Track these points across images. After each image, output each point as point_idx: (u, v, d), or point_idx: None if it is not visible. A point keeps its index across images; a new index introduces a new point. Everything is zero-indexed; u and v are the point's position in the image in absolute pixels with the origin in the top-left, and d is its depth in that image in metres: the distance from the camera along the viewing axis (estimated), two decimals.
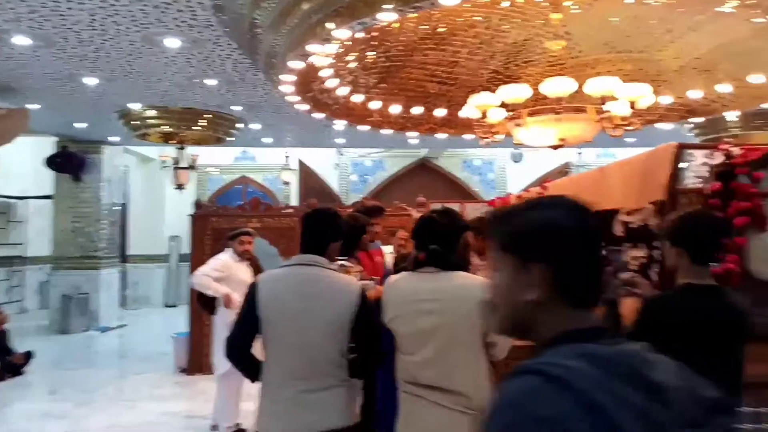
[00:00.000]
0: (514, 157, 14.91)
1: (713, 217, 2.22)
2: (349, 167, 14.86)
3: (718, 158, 2.78)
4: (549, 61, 5.46)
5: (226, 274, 4.63)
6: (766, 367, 2.67)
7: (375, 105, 6.43)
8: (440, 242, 2.16)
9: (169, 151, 10.02)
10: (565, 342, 0.88)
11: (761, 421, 2.72)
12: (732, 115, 7.65)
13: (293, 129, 10.24)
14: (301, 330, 2.20)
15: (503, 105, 4.75)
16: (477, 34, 5.79)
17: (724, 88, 6.01)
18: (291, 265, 2.41)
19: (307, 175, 14.49)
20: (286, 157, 13.72)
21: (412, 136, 8.30)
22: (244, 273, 4.64)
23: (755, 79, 5.60)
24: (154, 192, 13.61)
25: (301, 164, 14.30)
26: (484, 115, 4.78)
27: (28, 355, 7.46)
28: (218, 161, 13.93)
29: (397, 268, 2.57)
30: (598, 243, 0.97)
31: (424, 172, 14.92)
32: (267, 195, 13.88)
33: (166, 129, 8.40)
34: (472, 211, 6.60)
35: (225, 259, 4.76)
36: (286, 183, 14.08)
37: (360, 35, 4.72)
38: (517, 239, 0.93)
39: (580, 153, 14.11)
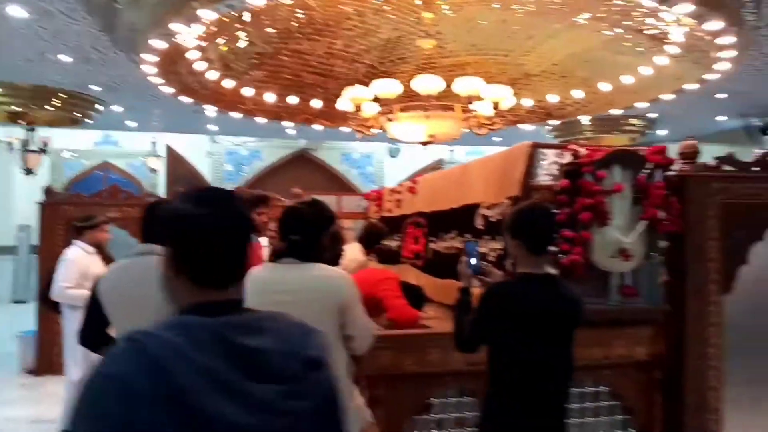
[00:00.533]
0: (391, 151, 15.21)
1: (546, 210, 2.32)
2: (223, 156, 14.32)
3: (567, 158, 3.00)
4: (421, 58, 5.60)
5: (82, 273, 4.19)
6: (603, 351, 2.94)
7: (248, 92, 6.23)
8: (304, 233, 2.12)
9: (17, 133, 9.04)
10: (188, 314, 1.04)
11: (599, 399, 2.98)
12: (585, 119, 8.33)
13: (160, 113, 9.68)
14: (144, 321, 2.07)
15: (377, 99, 4.80)
16: (352, 27, 5.81)
17: (578, 93, 6.52)
18: (132, 255, 2.42)
19: (176, 162, 13.75)
20: (153, 142, 12.92)
21: (289, 126, 8.16)
22: (97, 267, 4.27)
23: (604, 86, 6.12)
24: (3, 177, 12.21)
25: (170, 150, 13.54)
26: (358, 109, 4.79)
27: None
28: (76, 145, 12.82)
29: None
30: (225, 231, 1.09)
31: (302, 163, 14.76)
32: (131, 182, 12.97)
33: (14, 108, 7.57)
34: (348, 204, 6.63)
35: (75, 257, 4.29)
36: (154, 170, 13.27)
37: (228, 17, 4.54)
38: (161, 226, 1.12)
39: (452, 150, 14.70)
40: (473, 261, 2.43)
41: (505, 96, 4.69)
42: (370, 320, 2.23)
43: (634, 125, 10.79)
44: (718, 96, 8.62)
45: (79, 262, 4.26)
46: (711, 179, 3.02)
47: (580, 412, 2.94)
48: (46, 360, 6.25)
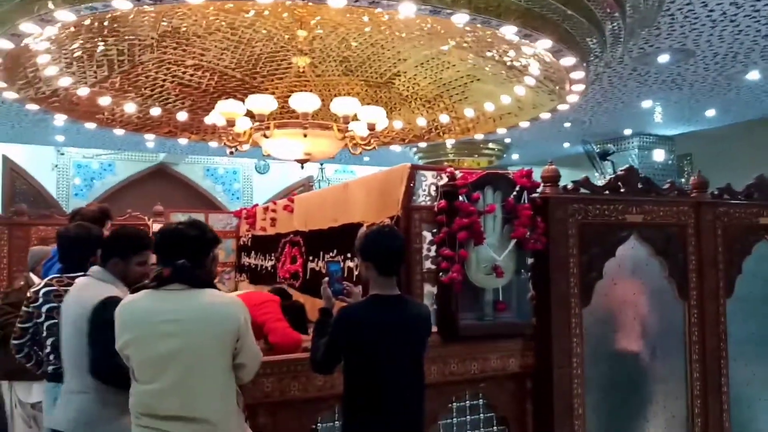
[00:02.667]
0: (258, 167, 14.89)
1: (395, 233, 2.40)
2: (71, 169, 13.12)
3: (444, 179, 3.11)
4: (294, 76, 5.56)
5: None
6: (479, 364, 3.06)
7: (105, 101, 5.77)
8: (187, 256, 1.96)
9: None
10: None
11: (478, 412, 3.09)
12: (449, 142, 8.76)
13: None
14: None
15: (250, 114, 4.66)
16: (223, 39, 5.63)
17: (443, 118, 6.84)
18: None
19: (14, 175, 12.34)
20: None
21: (150, 139, 7.67)
22: None
23: (468, 112, 6.48)
24: None
25: (7, 162, 12.13)
26: (230, 123, 4.62)
27: None
28: None
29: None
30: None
31: (161, 178, 13.94)
32: None
33: None
34: (215, 222, 6.34)
35: None
36: None
37: (86, 21, 4.19)
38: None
39: (322, 168, 14.72)
40: (336, 281, 2.44)
41: (380, 117, 4.78)
42: (257, 347, 2.12)
43: (491, 149, 11.57)
44: (564, 124, 9.53)
45: None
46: (570, 201, 3.29)
47: (459, 426, 3.03)
48: None
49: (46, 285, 2.92)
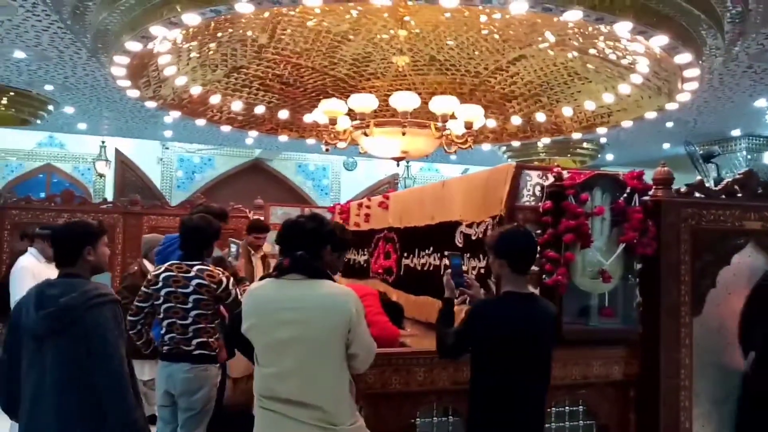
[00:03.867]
0: (347, 164, 15.19)
1: (529, 233, 2.53)
2: (175, 163, 13.95)
3: (550, 180, 3.06)
4: (395, 74, 5.64)
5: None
6: (581, 370, 3.00)
7: (214, 99, 6.11)
8: (306, 248, 2.07)
9: None
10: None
11: (577, 419, 3.04)
12: (541, 142, 8.57)
13: (114, 116, 9.36)
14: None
15: (350, 113, 4.79)
16: (324, 39, 5.80)
17: (540, 116, 6.71)
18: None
19: (124, 167, 13.29)
20: (102, 146, 12.43)
21: (247, 135, 8.02)
22: (53, 274, 4.04)
23: (566, 111, 6.32)
24: None
25: (119, 155, 13.08)
26: (331, 121, 4.77)
27: None
28: (17, 146, 12.20)
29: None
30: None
31: (256, 173, 14.53)
32: (77, 187, 12.43)
33: None
34: None
35: (31, 265, 4.01)
36: (101, 175, 12.76)
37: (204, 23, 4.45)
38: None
39: (407, 165, 14.82)
40: (457, 274, 2.57)
41: (478, 116, 4.76)
42: (372, 338, 2.20)
43: (585, 149, 11.19)
44: (666, 124, 9.07)
45: (32, 271, 4.01)
46: (683, 205, 3.14)
47: (558, 431, 2.98)
48: None
49: (166, 270, 3.17)
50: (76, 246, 2.29)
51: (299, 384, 2.00)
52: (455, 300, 2.60)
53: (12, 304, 3.94)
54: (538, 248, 3.01)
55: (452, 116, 4.68)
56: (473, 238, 3.27)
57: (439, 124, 4.61)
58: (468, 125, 4.76)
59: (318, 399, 2.00)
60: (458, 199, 3.63)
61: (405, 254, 4.41)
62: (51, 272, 4.13)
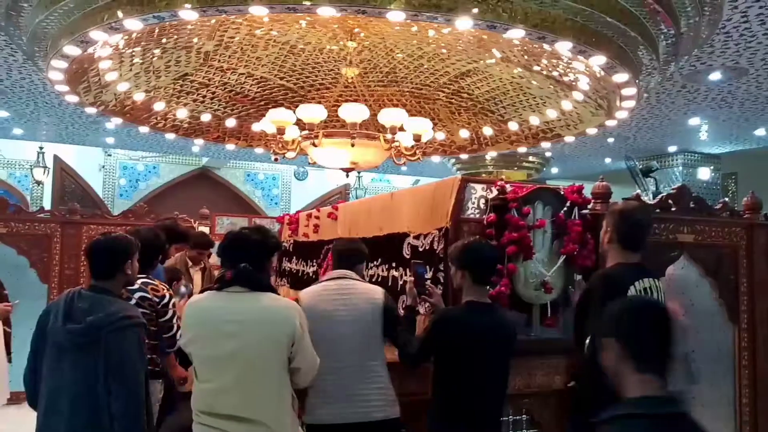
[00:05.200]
0: (298, 174, 15.08)
1: (491, 246, 2.66)
2: (117, 170, 13.52)
3: (494, 193, 3.13)
4: (344, 86, 5.65)
5: None
6: (525, 380, 3.05)
7: (159, 106, 5.96)
8: (250, 260, 2.04)
9: None
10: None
11: (521, 428, 3.08)
12: (489, 155, 8.74)
13: (53, 121, 9.00)
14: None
15: (298, 123, 4.76)
16: (273, 49, 5.75)
17: (487, 130, 6.84)
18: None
19: (64, 175, 12.77)
20: (40, 152, 11.93)
21: (196, 144, 7.86)
22: None
23: (512, 125, 6.48)
24: None
25: (58, 162, 12.57)
26: (279, 131, 4.72)
27: None
28: None
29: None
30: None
31: (203, 181, 14.25)
32: (12, 195, 11.88)
33: None
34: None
35: None
36: (39, 183, 12.23)
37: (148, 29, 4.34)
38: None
39: (359, 176, 14.84)
40: (421, 283, 2.73)
41: (426, 128, 4.82)
42: (314, 352, 2.18)
43: (531, 162, 11.48)
44: (608, 140, 9.41)
45: None
46: None
47: None
48: None
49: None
50: (118, 261, 2.31)
51: (240, 399, 1.96)
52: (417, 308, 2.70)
53: None
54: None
55: (401, 128, 4.72)
56: (420, 249, 3.30)
57: (389, 136, 4.63)
58: (417, 137, 4.80)
59: (260, 414, 1.97)
60: (406, 211, 3.66)
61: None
62: None
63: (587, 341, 2.41)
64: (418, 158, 5.22)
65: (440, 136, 7.15)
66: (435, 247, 3.12)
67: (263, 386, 1.99)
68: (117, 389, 2.11)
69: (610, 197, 3.30)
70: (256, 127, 5.72)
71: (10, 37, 4.79)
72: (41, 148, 11.77)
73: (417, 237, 3.37)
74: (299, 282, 5.75)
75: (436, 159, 8.92)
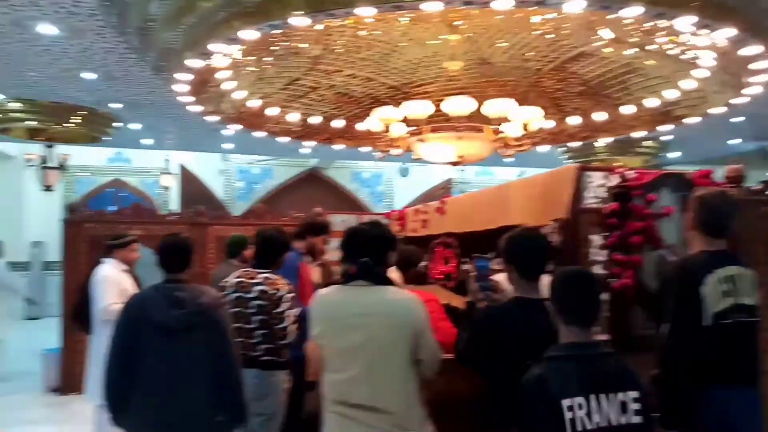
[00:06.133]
0: (401, 171, 15.23)
1: (538, 236, 2.42)
2: (235, 174, 14.36)
3: (614, 180, 2.98)
4: (448, 79, 5.62)
5: (120, 290, 4.13)
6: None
7: (272, 111, 6.25)
8: (370, 255, 2.09)
9: (35, 149, 9.07)
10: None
11: None
12: (601, 142, 8.33)
13: (177, 131, 9.72)
14: None
15: (404, 120, 4.81)
16: (376, 48, 5.84)
17: (599, 116, 6.53)
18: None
19: (188, 180, 13.78)
20: (167, 160, 12.95)
21: (307, 146, 8.17)
22: (129, 284, 4.24)
23: (627, 109, 6.13)
24: (15, 194, 12.26)
25: (183, 168, 13.59)
26: (386, 129, 4.80)
27: None
28: (88, 162, 12.84)
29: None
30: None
31: (313, 182, 14.79)
32: (143, 200, 12.99)
33: (33, 124, 7.59)
34: None
35: (111, 274, 4.23)
36: (166, 188, 13.28)
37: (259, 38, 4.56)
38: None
39: (462, 170, 14.73)
40: (483, 277, 2.53)
41: (535, 117, 4.69)
42: (437, 343, 2.20)
43: (647, 147, 10.81)
44: (735, 119, 8.66)
45: (115, 279, 4.20)
46: (759, 203, 3.00)
47: None
48: (70, 378, 6.17)
49: (238, 277, 3.35)
50: (190, 256, 2.77)
51: (370, 389, 2.02)
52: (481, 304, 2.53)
53: (95, 311, 4.15)
54: (597, 251, 2.94)
55: (507, 119, 4.63)
56: None
57: (495, 128, 4.56)
58: (524, 127, 4.69)
59: (389, 404, 2.02)
60: (518, 203, 3.58)
61: (464, 259, 4.38)
62: (127, 279, 4.35)
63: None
64: (526, 149, 5.10)
65: (549, 124, 6.92)
66: (551, 240, 3.02)
67: (390, 377, 2.04)
68: (222, 357, 2.56)
69: (744, 180, 3.04)
70: (362, 126, 5.84)
71: (140, 54, 5.23)
72: (167, 156, 12.76)
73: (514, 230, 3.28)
74: (409, 277, 5.81)
75: (543, 149, 8.65)
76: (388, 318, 2.05)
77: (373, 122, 4.84)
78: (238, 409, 2.61)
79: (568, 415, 1.71)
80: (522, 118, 4.58)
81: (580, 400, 1.73)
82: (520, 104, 5.33)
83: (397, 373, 2.05)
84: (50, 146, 8.61)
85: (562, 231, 2.93)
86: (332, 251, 4.46)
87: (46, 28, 5.08)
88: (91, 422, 4.45)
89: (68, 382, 6.22)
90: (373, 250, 2.11)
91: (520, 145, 4.90)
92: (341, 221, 6.94)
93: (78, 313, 4.30)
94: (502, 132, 4.74)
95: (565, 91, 6.38)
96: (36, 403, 6.22)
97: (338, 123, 6.78)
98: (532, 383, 1.82)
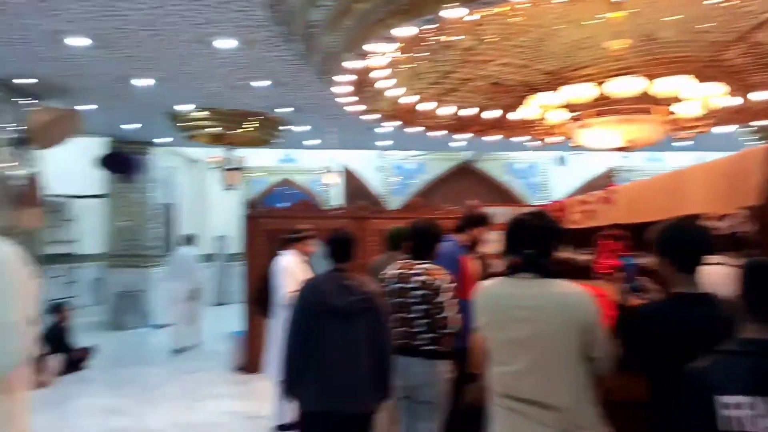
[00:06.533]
0: (558, 161, 14.60)
1: (696, 227, 2.21)
2: (390, 169, 14.80)
3: None
4: (610, 60, 5.27)
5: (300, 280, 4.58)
6: None
7: (425, 106, 6.33)
8: (535, 246, 2.04)
9: (217, 153, 10.13)
10: None
11: None
12: None
13: (338, 131, 10.24)
14: None
15: (563, 106, 4.60)
16: (531, 34, 5.64)
17: None
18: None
19: (349, 177, 14.51)
20: (330, 159, 13.76)
21: (459, 139, 8.17)
22: (306, 274, 4.61)
23: None
24: (200, 193, 13.86)
25: (343, 166, 14.34)
26: (543, 116, 4.63)
27: (88, 350, 7.68)
28: (261, 163, 14.03)
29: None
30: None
31: (465, 175, 14.75)
32: (309, 197, 13.93)
33: (216, 130, 8.47)
34: None
35: (291, 264, 4.66)
36: (327, 185, 14.11)
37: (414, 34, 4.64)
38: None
39: (626, 157, 13.73)
40: (631, 277, 2.29)
41: (712, 95, 4.24)
42: (611, 340, 2.08)
43: None
44: None
45: (293, 270, 4.60)
46: None
47: None
48: (254, 359, 6.78)
49: (399, 268, 3.49)
50: (354, 249, 3.08)
51: (537, 384, 1.96)
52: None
53: (275, 297, 4.59)
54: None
55: (680, 99, 4.23)
56: (720, 233, 2.91)
57: (667, 108, 4.20)
58: (700, 107, 4.26)
59: (557, 400, 1.94)
60: (696, 190, 3.27)
61: (637, 253, 4.09)
62: (305, 269, 4.73)
63: None
64: (704, 130, 4.62)
65: (731, 101, 6.20)
66: (740, 231, 2.72)
67: (558, 373, 1.97)
68: (383, 336, 2.94)
69: None
70: (516, 115, 5.69)
71: (305, 60, 5.58)
72: (330, 156, 13.55)
73: (713, 219, 2.98)
74: (570, 271, 5.56)
75: (721, 130, 7.78)
76: (555, 312, 1.97)
77: (528, 110, 4.70)
78: (388, 387, 2.95)
79: (724, 412, 1.55)
80: (696, 96, 4.16)
81: (744, 399, 1.55)
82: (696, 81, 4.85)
83: (566, 369, 1.96)
84: (230, 150, 9.54)
85: (754, 219, 2.62)
86: (490, 244, 4.43)
87: (224, 43, 5.61)
88: (270, 399, 4.88)
89: (252, 362, 6.86)
90: (538, 241, 2.05)
91: (695, 126, 4.46)
92: (497, 214, 6.86)
93: (259, 299, 4.75)
94: (674, 113, 4.34)
95: (751, 63, 5.67)
96: (223, 380, 6.96)
97: (491, 114, 6.69)
98: (689, 375, 1.70)
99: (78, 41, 5.41)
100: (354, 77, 4.63)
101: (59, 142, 6.97)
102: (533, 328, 1.97)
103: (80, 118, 7.11)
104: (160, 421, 5.50)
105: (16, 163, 6.65)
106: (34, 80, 6.57)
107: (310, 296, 2.95)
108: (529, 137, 6.43)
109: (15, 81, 6.57)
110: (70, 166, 10.10)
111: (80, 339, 7.95)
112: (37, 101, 7.05)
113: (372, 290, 2.98)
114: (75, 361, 7.38)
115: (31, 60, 5.95)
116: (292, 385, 2.95)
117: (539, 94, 4.56)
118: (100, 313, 10.55)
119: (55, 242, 9.79)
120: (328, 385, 2.83)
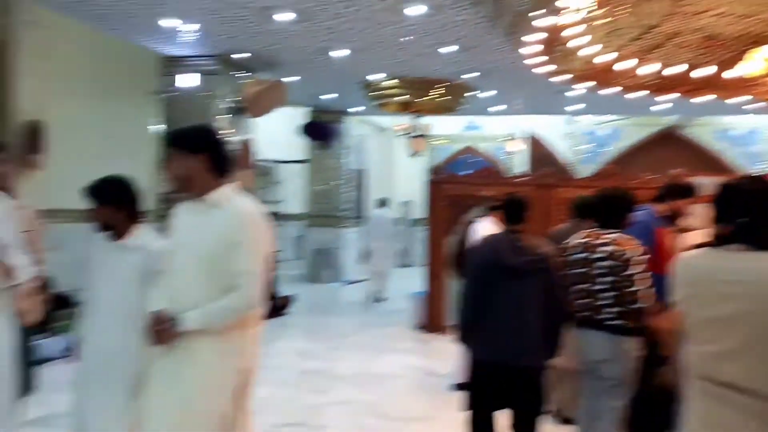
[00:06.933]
0: None
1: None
2: (580, 136, 14.01)
3: None
4: None
5: None
6: None
7: (623, 65, 5.84)
8: (750, 214, 1.80)
9: (404, 121, 10.45)
10: None
11: None
12: None
13: (524, 96, 9.92)
14: None
15: None
16: None
17: None
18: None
19: (534, 143, 14.04)
20: (514, 126, 13.44)
21: (663, 101, 7.43)
22: None
23: None
24: (388, 160, 14.49)
25: (529, 132, 13.92)
26: (766, 73, 4.02)
27: (289, 299, 8.65)
28: (446, 131, 14.18)
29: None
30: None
31: (667, 142, 13.39)
32: (492, 164, 13.80)
33: (404, 98, 8.73)
34: None
35: (489, 231, 4.76)
36: (510, 153, 13.83)
37: None
38: None
39: None
40: None
41: None
42: None
43: None
44: None
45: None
46: None
47: None
48: (434, 319, 7.10)
49: (584, 237, 3.31)
50: (527, 212, 3.09)
51: (743, 368, 1.73)
52: None
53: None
54: None
55: None
56: None
57: None
58: None
59: (764, 387, 1.71)
60: None
61: None
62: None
63: None
64: None
65: None
66: None
67: None
68: (555, 296, 2.99)
69: None
70: (734, 73, 5.00)
71: (493, 21, 5.46)
72: (515, 122, 13.21)
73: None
74: None
75: None
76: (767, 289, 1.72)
77: (749, 66, 4.10)
78: (555, 345, 3.00)
79: None
80: None
81: None
82: None
83: None
84: (416, 118, 9.78)
85: None
86: (695, 217, 4.01)
87: (414, 9, 5.71)
88: (448, 357, 5.04)
89: (432, 322, 7.14)
90: (753, 209, 1.79)
91: None
92: (706, 184, 6.14)
93: (457, 261, 4.93)
94: None
95: None
96: (405, 336, 7.34)
97: (703, 72, 5.95)
98: None
99: (284, 16, 5.90)
100: (544, 35, 4.43)
101: (269, 111, 7.74)
102: (743, 306, 1.74)
103: (287, 89, 7.80)
104: (348, 367, 5.98)
105: (233, 130, 7.54)
106: (248, 54, 7.32)
107: (486, 255, 3.09)
108: (749, 98, 5.62)
109: (232, 56, 7.40)
110: (277, 134, 11.19)
111: (283, 288, 8.90)
112: (250, 74, 7.87)
113: (544, 251, 3.03)
114: (278, 307, 8.31)
115: (245, 35, 6.63)
116: (465, 334, 3.12)
117: (765, 47, 3.94)
118: (300, 267, 11.71)
119: (265, 202, 10.98)
120: (497, 338, 2.97)
